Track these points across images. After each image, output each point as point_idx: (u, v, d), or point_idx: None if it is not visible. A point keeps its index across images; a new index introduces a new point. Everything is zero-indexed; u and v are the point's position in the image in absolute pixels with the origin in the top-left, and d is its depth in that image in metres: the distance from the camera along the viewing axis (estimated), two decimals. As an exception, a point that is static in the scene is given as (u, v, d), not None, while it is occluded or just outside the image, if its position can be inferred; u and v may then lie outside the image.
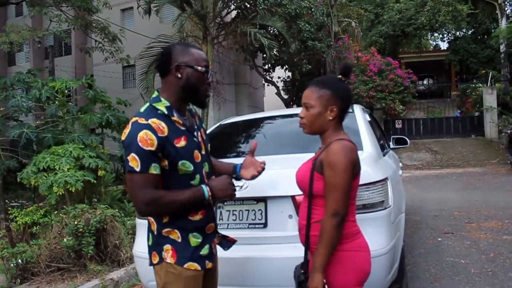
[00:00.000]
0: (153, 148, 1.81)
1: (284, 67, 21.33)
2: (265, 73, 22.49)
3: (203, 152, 2.05)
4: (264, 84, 24.58)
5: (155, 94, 2.00)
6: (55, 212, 5.50)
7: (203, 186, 1.94)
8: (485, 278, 4.07)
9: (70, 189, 5.80)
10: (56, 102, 7.28)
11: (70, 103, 8.11)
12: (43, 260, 4.76)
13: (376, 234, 2.62)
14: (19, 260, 4.84)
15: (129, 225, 5.57)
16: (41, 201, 7.10)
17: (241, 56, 18.61)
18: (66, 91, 7.51)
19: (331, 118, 1.96)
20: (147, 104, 1.97)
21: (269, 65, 21.92)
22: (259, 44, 13.81)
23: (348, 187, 1.84)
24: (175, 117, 1.93)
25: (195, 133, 2.04)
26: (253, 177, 2.21)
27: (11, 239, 5.95)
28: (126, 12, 20.37)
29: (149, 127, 1.83)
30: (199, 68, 1.95)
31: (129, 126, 1.87)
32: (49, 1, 12.21)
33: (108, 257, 4.84)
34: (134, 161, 1.81)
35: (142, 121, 1.85)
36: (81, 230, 4.61)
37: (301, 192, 2.69)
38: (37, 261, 4.77)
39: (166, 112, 1.92)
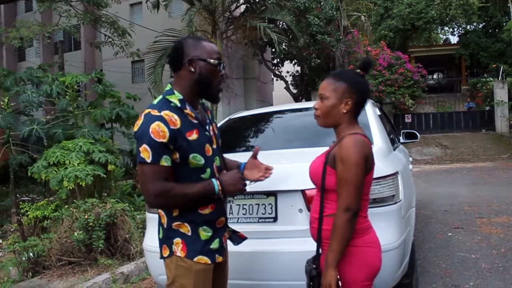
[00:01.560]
0: (165, 140, 1.81)
1: (293, 62, 21.25)
2: (273, 67, 22.43)
3: (214, 146, 2.05)
4: (272, 78, 24.51)
5: (169, 87, 2.00)
6: (66, 207, 5.54)
7: (214, 180, 1.93)
8: (496, 273, 4.04)
9: (80, 183, 5.83)
10: (67, 97, 7.32)
11: (80, 98, 8.16)
12: (54, 254, 4.80)
13: (386, 229, 2.61)
14: (31, 254, 4.89)
15: (139, 219, 5.61)
16: (51, 196, 7.17)
17: (249, 51, 18.56)
18: (76, 86, 7.54)
19: (345, 111, 1.94)
20: (160, 96, 1.97)
21: (278, 60, 21.84)
22: (268, 39, 13.77)
23: (360, 182, 1.82)
24: (188, 110, 1.94)
25: (207, 127, 2.04)
26: (257, 181, 2.21)
27: (22, 233, 6.01)
28: (135, 7, 20.40)
29: (161, 119, 1.83)
30: (212, 61, 1.96)
31: (142, 117, 1.87)
32: (59, -4, 12.26)
33: (118, 251, 4.87)
34: (145, 152, 1.82)
35: (154, 112, 1.85)
36: (91, 224, 4.65)
37: (311, 186, 2.70)
38: (48, 254, 4.81)
39: (179, 105, 1.92)
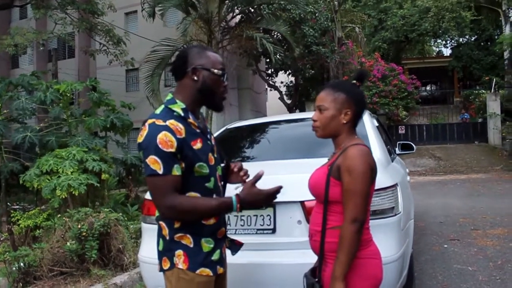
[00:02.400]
0: (173, 150, 1.78)
1: (287, 72, 21.31)
2: (268, 77, 22.47)
3: (216, 155, 2.03)
4: (266, 88, 24.55)
5: (169, 96, 1.97)
6: (58, 216, 5.47)
7: (234, 199, 1.88)
8: (494, 285, 4.02)
9: (73, 192, 5.78)
10: (60, 104, 7.27)
11: (74, 106, 8.11)
12: (45, 264, 4.71)
13: (386, 241, 2.58)
14: (21, 264, 4.79)
15: (133, 229, 5.54)
16: (43, 204, 7.08)
17: (244, 61, 18.60)
18: (70, 94, 7.50)
19: (345, 121, 1.93)
20: (162, 106, 1.94)
21: (272, 70, 21.90)
22: (263, 49, 13.81)
23: (367, 192, 1.81)
24: (191, 119, 1.92)
25: (209, 136, 2.02)
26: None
27: (13, 243, 5.90)
28: (130, 15, 20.40)
29: (167, 128, 1.80)
30: (216, 71, 1.93)
31: (146, 127, 1.83)
32: (54, 3, 12.23)
33: (111, 261, 4.78)
34: (156, 163, 1.78)
35: (159, 122, 1.82)
36: (84, 234, 4.57)
37: (310, 197, 2.66)
38: (39, 264, 4.72)
39: (182, 114, 1.89)
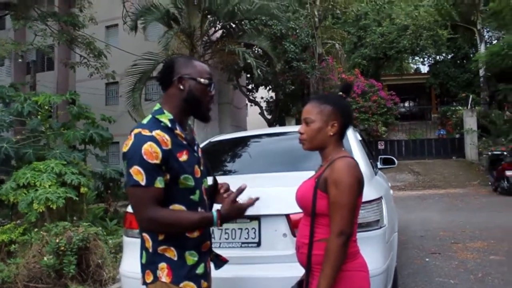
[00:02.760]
0: (158, 161, 1.75)
1: (268, 87, 21.42)
2: (248, 93, 22.55)
3: (202, 168, 2.00)
4: (247, 104, 24.60)
5: (157, 106, 1.94)
6: (36, 230, 5.31)
7: (214, 214, 1.87)
8: (476, 299, 4.04)
9: (51, 206, 5.63)
10: (38, 116, 7.12)
11: (52, 119, 7.96)
12: (21, 280, 4.56)
13: (371, 254, 2.55)
14: (-5, 280, 4.64)
15: (112, 244, 5.43)
16: (18, 219, 6.87)
17: (225, 76, 18.63)
18: (48, 107, 7.36)
19: (331, 133, 1.92)
20: (150, 116, 1.91)
21: (253, 85, 21.99)
22: (244, 64, 13.85)
23: (354, 205, 1.80)
24: (178, 131, 1.88)
25: (195, 148, 1.99)
26: None
27: (-14, 258, 5.72)
28: (110, 29, 20.29)
29: (153, 139, 1.77)
30: (202, 80, 1.91)
31: (132, 137, 1.79)
32: (34, 15, 12.08)
33: (90, 277, 4.66)
34: (139, 174, 1.74)
35: (146, 132, 1.78)
36: (62, 248, 4.45)
37: (295, 210, 2.64)
38: (14, 281, 4.57)
39: (169, 125, 1.86)
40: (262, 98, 23.28)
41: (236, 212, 1.93)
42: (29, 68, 18.58)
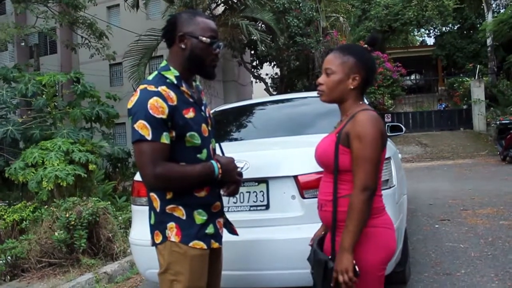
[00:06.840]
0: (164, 116, 1.72)
1: (272, 64, 21.24)
2: (253, 69, 22.38)
3: (210, 128, 1.96)
4: (252, 81, 24.45)
5: (164, 63, 1.90)
6: (46, 207, 5.35)
7: (213, 162, 1.84)
8: (486, 261, 4.03)
9: (60, 183, 5.67)
10: (44, 96, 7.12)
11: (57, 97, 7.95)
12: (33, 255, 4.61)
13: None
14: (8, 257, 4.69)
15: (121, 220, 5.45)
16: (29, 200, 6.92)
17: (229, 52, 18.47)
18: (53, 86, 7.35)
19: (352, 87, 1.82)
20: (155, 72, 1.87)
21: (257, 62, 21.79)
22: (248, 40, 13.69)
23: (378, 159, 1.72)
24: (184, 88, 1.85)
25: (203, 108, 1.95)
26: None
27: (-1, 237, 5.79)
28: (112, 9, 20.11)
29: (159, 94, 1.73)
30: (204, 38, 1.84)
31: (137, 93, 1.76)
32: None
33: (101, 250, 4.71)
34: (144, 129, 1.70)
35: (151, 88, 1.75)
36: (73, 223, 4.48)
37: (304, 172, 2.63)
38: (27, 256, 4.62)
39: (175, 82, 1.82)
40: (267, 74, 23.08)
41: (233, 166, 1.92)
42: (32, 51, 18.54)
